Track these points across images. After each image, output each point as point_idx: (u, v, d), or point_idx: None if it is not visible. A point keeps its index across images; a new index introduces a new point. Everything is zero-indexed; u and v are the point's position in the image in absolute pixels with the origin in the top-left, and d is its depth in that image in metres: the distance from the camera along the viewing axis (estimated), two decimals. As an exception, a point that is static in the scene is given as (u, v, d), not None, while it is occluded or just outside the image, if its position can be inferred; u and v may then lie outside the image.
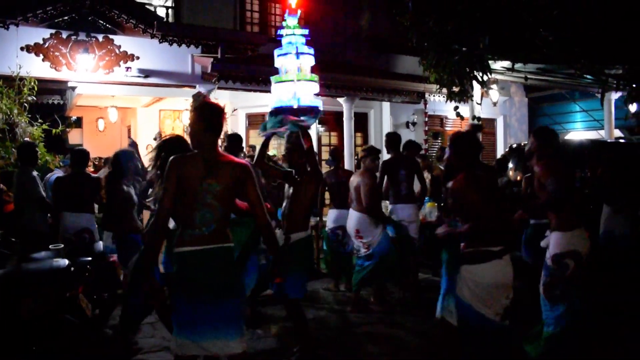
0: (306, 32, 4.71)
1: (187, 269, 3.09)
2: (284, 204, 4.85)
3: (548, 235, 4.18)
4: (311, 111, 4.60)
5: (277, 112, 4.59)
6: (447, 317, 3.76)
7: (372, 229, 6.11)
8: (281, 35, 4.72)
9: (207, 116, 3.18)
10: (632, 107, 9.39)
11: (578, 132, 16.44)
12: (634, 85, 7.20)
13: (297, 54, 4.60)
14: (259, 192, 3.22)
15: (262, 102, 11.60)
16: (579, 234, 4.06)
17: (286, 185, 4.94)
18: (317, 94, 4.83)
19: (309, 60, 4.69)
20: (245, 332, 3.23)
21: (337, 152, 7.76)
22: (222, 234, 3.12)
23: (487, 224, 3.48)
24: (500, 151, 14.44)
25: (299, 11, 4.80)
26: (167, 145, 3.81)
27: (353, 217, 6.25)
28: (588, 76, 8.56)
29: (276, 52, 4.70)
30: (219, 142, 3.35)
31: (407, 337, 5.40)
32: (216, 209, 3.08)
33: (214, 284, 3.06)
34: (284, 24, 4.75)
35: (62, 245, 5.11)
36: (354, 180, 6.28)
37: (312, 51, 4.67)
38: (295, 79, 4.59)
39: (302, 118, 4.53)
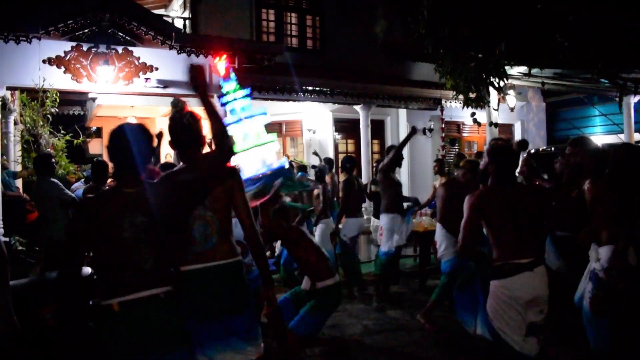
0: (247, 91, 4.61)
1: (193, 289, 2.94)
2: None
3: (595, 249, 4.02)
4: (280, 173, 4.56)
5: (255, 180, 4.49)
6: (483, 334, 3.56)
7: (445, 242, 5.83)
8: (222, 99, 4.61)
9: (179, 128, 3.03)
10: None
11: (597, 137, 16.27)
12: (652, 90, 7.14)
13: (247, 118, 4.51)
14: (246, 202, 3.09)
15: (279, 111, 11.73)
16: (630, 247, 3.88)
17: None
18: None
19: (262, 120, 4.60)
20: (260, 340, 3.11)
21: (351, 160, 7.80)
22: (225, 249, 3.00)
23: (510, 241, 3.39)
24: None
25: (232, 75, 4.68)
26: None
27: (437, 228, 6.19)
28: (604, 81, 8.49)
29: (226, 121, 4.54)
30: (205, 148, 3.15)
31: (427, 343, 5.40)
32: (212, 221, 2.96)
33: (222, 302, 2.96)
34: (222, 90, 4.64)
35: (85, 254, 5.19)
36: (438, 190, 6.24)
37: (264, 110, 4.60)
38: (257, 144, 4.50)
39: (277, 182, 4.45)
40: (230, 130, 4.36)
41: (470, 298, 3.97)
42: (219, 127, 2.73)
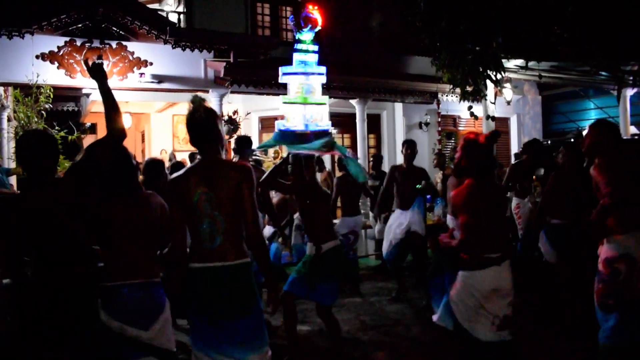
0: (316, 48, 4.58)
1: (198, 287, 2.95)
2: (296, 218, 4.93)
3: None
4: (323, 135, 4.52)
5: (286, 135, 4.45)
6: (442, 323, 3.65)
7: None
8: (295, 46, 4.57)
9: (194, 124, 3.06)
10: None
11: (593, 130, 16.27)
12: (650, 82, 7.13)
13: (308, 74, 4.47)
14: (254, 204, 2.99)
15: (275, 106, 11.62)
16: (634, 236, 3.74)
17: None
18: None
19: (320, 80, 4.57)
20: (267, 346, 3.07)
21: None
22: (233, 249, 2.94)
23: (483, 235, 3.42)
24: (514, 150, 14.34)
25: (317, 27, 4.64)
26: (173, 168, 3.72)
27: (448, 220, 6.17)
28: (603, 73, 8.48)
29: (284, 69, 4.52)
30: (223, 146, 3.17)
31: (425, 339, 5.37)
32: (218, 220, 2.91)
33: (227, 303, 2.92)
34: (298, 36, 4.58)
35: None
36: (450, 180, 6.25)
37: (323, 70, 4.55)
38: (306, 102, 4.45)
39: (316, 143, 4.41)
40: (294, 79, 4.45)
41: (440, 287, 3.95)
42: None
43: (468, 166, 3.57)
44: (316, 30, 4.59)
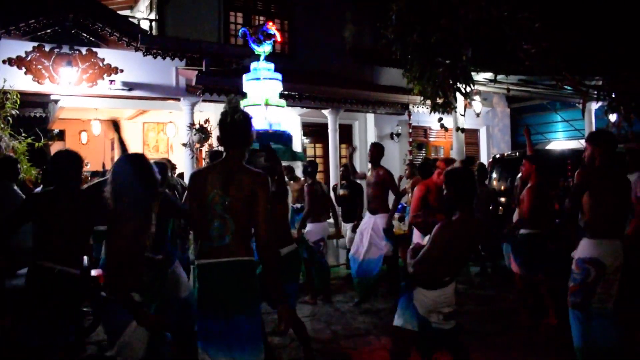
0: (272, 65, 4.69)
1: (202, 282, 3.03)
2: None
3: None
4: (281, 136, 4.57)
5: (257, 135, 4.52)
6: (405, 325, 3.74)
7: None
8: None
9: (227, 125, 3.07)
10: (612, 117, 9.54)
11: (560, 142, 16.65)
12: (613, 96, 7.33)
13: (265, 79, 4.55)
14: (267, 209, 3.01)
15: (247, 115, 11.65)
16: (607, 244, 3.90)
17: None
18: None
19: (277, 86, 4.66)
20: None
21: (313, 165, 7.77)
22: (239, 248, 2.99)
23: (444, 266, 3.60)
24: (483, 161, 14.58)
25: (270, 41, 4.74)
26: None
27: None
28: (568, 87, 8.69)
29: (245, 77, 4.64)
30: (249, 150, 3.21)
31: (388, 357, 5.39)
32: (228, 222, 2.97)
33: (227, 299, 2.96)
34: (256, 49, 4.69)
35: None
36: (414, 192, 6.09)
37: (279, 76, 4.65)
38: (264, 104, 4.54)
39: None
40: (250, 85, 4.51)
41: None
42: None
43: (456, 198, 3.62)
44: (272, 43, 4.73)
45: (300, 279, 4.96)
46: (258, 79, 4.57)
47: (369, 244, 6.91)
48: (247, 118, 3.09)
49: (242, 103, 4.58)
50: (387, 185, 7.03)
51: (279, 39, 4.70)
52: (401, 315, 3.73)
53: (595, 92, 8.09)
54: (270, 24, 4.72)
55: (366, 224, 7.07)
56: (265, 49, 4.67)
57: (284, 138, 4.56)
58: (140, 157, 3.32)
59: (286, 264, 4.56)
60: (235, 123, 3.06)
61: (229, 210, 2.97)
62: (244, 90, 4.66)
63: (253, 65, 4.62)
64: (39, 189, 7.41)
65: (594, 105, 11.99)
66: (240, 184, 2.97)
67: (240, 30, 4.82)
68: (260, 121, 4.50)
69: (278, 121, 4.60)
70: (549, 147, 15.79)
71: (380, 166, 7.09)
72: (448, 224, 3.59)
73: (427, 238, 3.77)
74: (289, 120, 12.40)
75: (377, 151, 7.13)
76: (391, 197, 7.11)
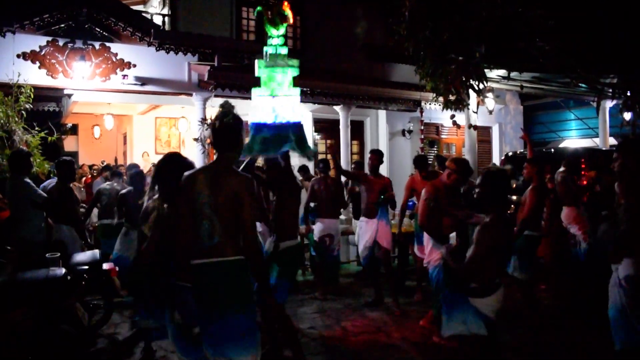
0: (284, 43, 4.61)
1: (196, 282, 3.09)
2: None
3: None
4: (295, 128, 4.51)
5: (259, 128, 4.45)
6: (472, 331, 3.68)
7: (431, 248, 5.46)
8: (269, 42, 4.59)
9: (221, 130, 3.17)
10: (627, 116, 9.44)
11: (573, 140, 16.53)
12: (628, 94, 7.25)
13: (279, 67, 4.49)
14: (251, 210, 3.10)
15: (259, 110, 11.66)
16: None
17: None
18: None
19: (292, 73, 4.58)
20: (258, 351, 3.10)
21: (326, 161, 7.77)
22: (228, 248, 3.05)
23: (489, 271, 3.60)
24: (495, 159, 14.49)
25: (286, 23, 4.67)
26: (163, 165, 3.70)
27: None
28: (583, 85, 8.61)
29: (257, 62, 4.54)
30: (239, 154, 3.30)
31: (405, 346, 5.39)
32: (215, 223, 3.04)
33: (219, 298, 3.02)
34: (270, 32, 4.61)
35: (59, 254, 5.08)
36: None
37: (295, 63, 4.56)
38: (276, 94, 4.45)
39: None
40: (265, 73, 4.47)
41: (448, 300, 3.97)
42: None
43: (493, 198, 3.64)
44: (286, 25, 4.64)
45: (296, 277, 4.96)
46: (272, 66, 4.48)
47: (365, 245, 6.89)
48: (237, 122, 3.18)
49: (254, 93, 4.53)
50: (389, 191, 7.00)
51: (291, 20, 4.61)
52: (462, 322, 3.68)
53: (610, 90, 8.00)
54: (286, 3, 4.62)
55: (366, 228, 6.92)
56: (280, 31, 4.57)
57: (292, 129, 4.45)
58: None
59: (282, 258, 4.63)
60: (226, 127, 3.16)
61: (216, 211, 3.04)
62: (257, 75, 4.56)
63: (267, 49, 4.52)
64: (47, 181, 7.50)
65: (609, 103, 11.86)
66: (225, 186, 3.04)
67: (256, 10, 4.73)
68: (268, 113, 4.42)
69: (288, 112, 4.48)
70: (562, 145, 15.67)
71: (380, 174, 7.11)
72: (489, 224, 3.59)
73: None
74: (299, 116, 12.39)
75: (378, 159, 7.08)
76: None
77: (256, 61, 4.49)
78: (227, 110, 3.21)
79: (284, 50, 4.53)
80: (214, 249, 3.04)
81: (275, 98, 4.46)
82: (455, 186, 5.24)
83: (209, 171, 3.14)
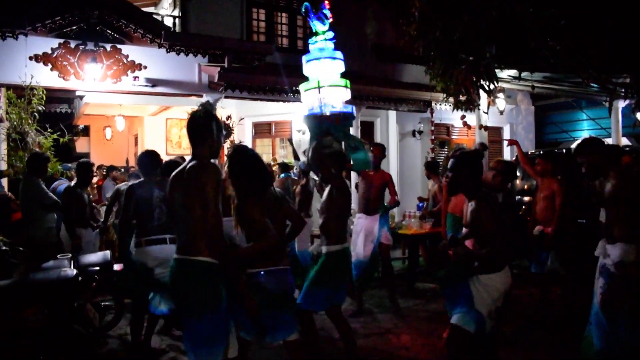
0: (331, 34, 4.63)
1: (172, 278, 3.12)
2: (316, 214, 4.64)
3: (602, 245, 3.99)
4: (343, 117, 4.49)
5: (310, 118, 4.46)
6: (464, 326, 3.69)
7: None
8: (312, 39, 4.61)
9: (190, 125, 3.20)
10: (639, 116, 9.36)
11: (585, 141, 16.37)
12: (641, 95, 7.20)
13: (324, 58, 4.50)
14: (216, 202, 2.99)
15: (269, 111, 11.68)
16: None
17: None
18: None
19: (339, 65, 4.59)
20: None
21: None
22: (196, 247, 2.99)
23: (500, 247, 3.56)
24: (507, 159, 14.41)
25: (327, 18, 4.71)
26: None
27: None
28: (594, 85, 8.54)
29: (304, 58, 4.59)
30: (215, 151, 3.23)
31: (415, 347, 5.37)
32: (184, 219, 3.04)
33: (184, 297, 3.05)
34: (314, 26, 4.63)
35: (70, 255, 5.12)
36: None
37: (340, 55, 4.57)
38: (324, 85, 4.46)
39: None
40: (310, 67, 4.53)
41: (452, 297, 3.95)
42: None
43: (465, 182, 3.71)
44: (325, 22, 4.69)
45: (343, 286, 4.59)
46: (318, 58, 4.50)
47: (365, 243, 6.76)
48: (207, 116, 3.17)
49: (302, 87, 4.54)
50: (389, 187, 6.92)
51: (330, 19, 4.66)
52: (463, 315, 3.68)
53: (623, 90, 7.93)
54: (327, 2, 4.68)
55: (362, 225, 6.80)
56: (323, 28, 4.62)
57: (344, 119, 4.45)
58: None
59: (325, 263, 4.41)
60: (194, 120, 3.17)
61: (187, 208, 3.02)
62: (304, 73, 4.57)
63: (313, 45, 4.55)
64: (56, 182, 7.57)
65: (621, 104, 11.74)
66: (192, 180, 3.01)
67: (304, 6, 4.77)
68: (315, 104, 4.42)
69: (335, 102, 4.48)
70: (574, 145, 15.54)
71: (381, 169, 6.97)
72: (479, 204, 3.61)
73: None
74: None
75: (381, 153, 6.98)
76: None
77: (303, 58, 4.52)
78: (200, 108, 3.24)
79: (330, 45, 4.58)
80: (186, 246, 3.04)
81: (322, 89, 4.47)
82: (500, 187, 5.25)
83: (183, 169, 3.13)
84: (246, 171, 3.35)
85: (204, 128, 3.14)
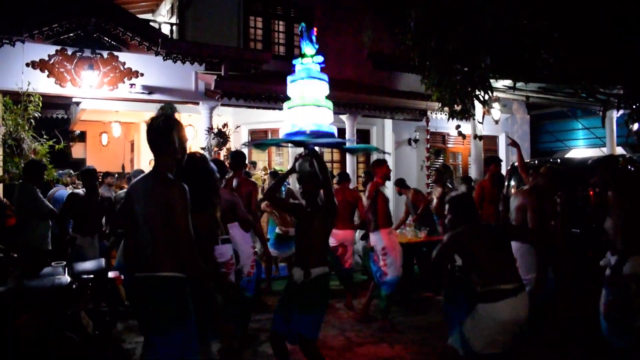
0: (321, 59, 4.66)
1: (136, 296, 2.97)
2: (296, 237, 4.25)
3: (608, 257, 4.10)
4: (326, 137, 4.46)
5: (291, 135, 4.40)
6: (455, 346, 3.72)
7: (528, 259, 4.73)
8: (294, 66, 4.64)
9: (149, 131, 2.99)
10: (634, 126, 9.42)
11: (580, 150, 16.47)
12: (634, 107, 7.25)
13: (309, 78, 4.51)
14: (185, 221, 2.84)
15: (265, 119, 11.70)
16: None
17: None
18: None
19: (323, 87, 4.61)
20: None
21: (344, 173, 7.82)
22: (163, 262, 2.86)
23: (490, 268, 3.57)
24: (502, 168, 14.44)
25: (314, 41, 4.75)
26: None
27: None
28: (586, 95, 8.62)
29: (289, 78, 4.60)
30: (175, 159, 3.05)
31: (408, 357, 5.38)
32: (149, 234, 2.88)
33: (148, 315, 2.90)
34: (304, 48, 4.68)
35: (65, 262, 5.12)
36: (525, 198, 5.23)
37: (325, 77, 4.60)
38: (308, 103, 4.45)
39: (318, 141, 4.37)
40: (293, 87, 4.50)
41: (453, 315, 3.94)
42: None
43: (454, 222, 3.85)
44: (313, 44, 4.73)
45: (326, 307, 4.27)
46: (303, 78, 4.52)
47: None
48: (168, 124, 2.97)
49: (286, 105, 4.53)
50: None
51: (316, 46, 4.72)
52: (455, 336, 3.71)
53: (616, 101, 8.00)
54: (315, 30, 4.75)
55: (395, 241, 6.69)
56: (312, 51, 4.67)
57: (332, 137, 4.47)
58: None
59: (315, 288, 3.97)
60: (154, 128, 2.97)
61: (149, 222, 2.88)
62: (288, 94, 4.57)
63: (299, 65, 4.57)
64: (53, 189, 7.57)
65: (615, 113, 11.82)
66: (157, 195, 2.86)
67: (301, 26, 4.82)
68: (304, 122, 4.41)
69: (322, 122, 4.48)
70: (569, 155, 15.62)
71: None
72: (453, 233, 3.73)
73: None
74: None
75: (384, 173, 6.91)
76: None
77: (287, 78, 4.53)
78: (160, 113, 3.01)
79: (317, 67, 4.61)
80: (147, 262, 2.87)
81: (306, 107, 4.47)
82: (548, 193, 5.28)
83: (146, 179, 2.99)
84: (191, 183, 3.08)
85: (164, 136, 2.95)
